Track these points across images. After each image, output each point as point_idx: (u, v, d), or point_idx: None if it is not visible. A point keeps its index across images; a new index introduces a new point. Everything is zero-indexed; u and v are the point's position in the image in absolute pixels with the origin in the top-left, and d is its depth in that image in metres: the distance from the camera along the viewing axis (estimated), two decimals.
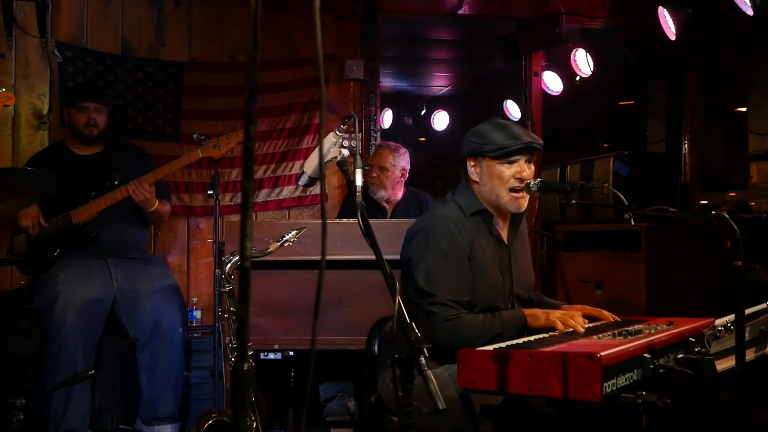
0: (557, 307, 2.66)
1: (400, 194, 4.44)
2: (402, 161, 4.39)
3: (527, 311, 2.51)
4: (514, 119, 6.92)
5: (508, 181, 2.52)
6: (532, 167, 2.58)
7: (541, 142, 2.55)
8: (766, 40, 5.38)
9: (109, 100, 4.42)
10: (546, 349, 1.94)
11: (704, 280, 3.94)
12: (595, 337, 2.18)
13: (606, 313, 2.59)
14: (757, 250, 4.13)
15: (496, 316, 2.47)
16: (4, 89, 3.46)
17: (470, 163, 2.59)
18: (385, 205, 4.43)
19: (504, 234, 2.66)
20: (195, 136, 3.86)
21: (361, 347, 3.34)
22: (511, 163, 2.52)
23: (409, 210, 4.36)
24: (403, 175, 4.41)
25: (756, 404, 2.74)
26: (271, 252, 2.78)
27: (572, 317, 2.39)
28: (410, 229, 2.62)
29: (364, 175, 3.75)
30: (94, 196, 3.82)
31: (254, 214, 4.93)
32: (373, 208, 4.38)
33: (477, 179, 2.58)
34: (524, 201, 2.57)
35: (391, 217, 4.37)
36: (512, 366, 1.90)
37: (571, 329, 2.34)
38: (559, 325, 2.38)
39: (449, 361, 2.29)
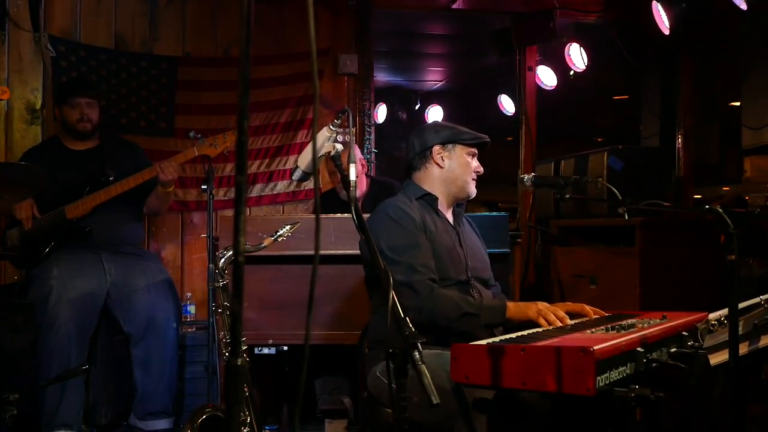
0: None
1: (364, 187, 4.25)
2: (359, 152, 4.34)
3: (510, 302, 2.56)
4: (509, 114, 6.94)
5: (473, 170, 2.76)
6: None
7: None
8: (760, 34, 5.39)
9: (102, 94, 4.41)
10: (540, 344, 1.94)
11: (698, 275, 3.95)
12: (588, 331, 2.19)
13: (588, 308, 2.59)
14: (750, 245, 4.14)
15: (476, 298, 2.58)
16: None
17: (438, 150, 2.74)
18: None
19: (449, 218, 2.80)
20: (191, 134, 3.85)
21: (356, 342, 3.34)
22: (473, 155, 2.78)
23: (381, 198, 4.26)
24: (364, 166, 4.34)
25: (749, 398, 2.75)
26: (265, 247, 2.78)
27: (554, 311, 2.43)
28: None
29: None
30: (89, 191, 3.80)
31: (248, 209, 4.93)
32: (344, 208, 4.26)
33: (443, 165, 2.74)
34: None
35: (364, 211, 4.27)
36: (506, 360, 1.90)
37: (551, 326, 2.36)
38: (542, 322, 2.41)
39: (439, 340, 2.38)
